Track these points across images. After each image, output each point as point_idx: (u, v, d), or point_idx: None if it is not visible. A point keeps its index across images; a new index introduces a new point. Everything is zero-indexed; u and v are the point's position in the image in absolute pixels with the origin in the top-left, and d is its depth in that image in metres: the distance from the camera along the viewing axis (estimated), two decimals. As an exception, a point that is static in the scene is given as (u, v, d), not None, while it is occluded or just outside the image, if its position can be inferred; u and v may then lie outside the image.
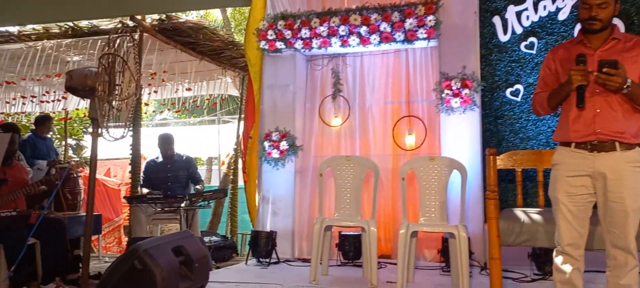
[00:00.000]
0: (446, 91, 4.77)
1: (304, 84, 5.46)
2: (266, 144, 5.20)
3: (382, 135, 5.31)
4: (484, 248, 4.51)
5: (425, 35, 4.80)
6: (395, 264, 4.63)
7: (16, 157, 4.53)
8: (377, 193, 4.30)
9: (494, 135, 4.86)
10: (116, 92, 2.57)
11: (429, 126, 5.15)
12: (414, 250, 4.07)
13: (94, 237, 6.65)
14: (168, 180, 5.77)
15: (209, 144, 13.38)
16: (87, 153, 11.24)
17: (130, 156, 6.68)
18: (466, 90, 4.70)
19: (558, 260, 2.70)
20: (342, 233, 4.78)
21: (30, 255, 4.04)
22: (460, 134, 4.77)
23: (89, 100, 2.64)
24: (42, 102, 8.12)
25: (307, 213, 5.27)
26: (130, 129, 3.34)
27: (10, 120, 10.81)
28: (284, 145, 5.14)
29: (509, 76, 4.88)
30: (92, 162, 2.73)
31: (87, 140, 11.88)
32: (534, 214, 3.19)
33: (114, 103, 2.61)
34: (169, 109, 11.03)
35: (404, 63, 5.30)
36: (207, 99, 10.14)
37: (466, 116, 4.75)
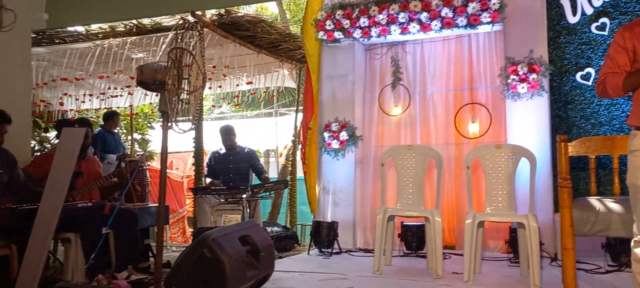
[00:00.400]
0: (512, 77, 4.61)
1: (363, 74, 5.42)
2: (326, 134, 5.20)
3: (444, 124, 5.20)
4: (554, 239, 4.35)
5: (489, 19, 4.65)
6: (459, 255, 4.56)
7: (90, 151, 4.73)
8: (440, 182, 4.22)
9: (564, 121, 4.65)
10: (184, 86, 2.64)
11: (493, 113, 4.99)
12: (480, 240, 3.96)
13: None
14: (230, 172, 5.87)
15: (266, 136, 13.58)
16: (151, 147, 11.62)
17: (193, 149, 6.88)
18: (534, 75, 4.52)
19: (638, 251, 2.55)
20: (405, 223, 4.73)
21: (105, 244, 4.22)
22: (528, 120, 4.60)
23: (159, 94, 2.72)
24: (111, 97, 8.45)
25: (368, 203, 5.25)
26: (196, 121, 3.42)
27: (79, 116, 11.37)
28: (343, 135, 5.12)
29: (579, 59, 4.65)
30: (163, 154, 2.82)
31: (151, 135, 12.28)
32: (611, 203, 3.04)
33: (182, 96, 2.67)
34: (229, 103, 11.24)
35: (466, 49, 5.16)
36: (264, 92, 10.26)
37: (534, 102, 4.58)
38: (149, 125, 12.56)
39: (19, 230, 3.34)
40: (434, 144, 5.09)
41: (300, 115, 9.35)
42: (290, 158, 9.20)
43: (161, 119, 2.76)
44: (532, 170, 3.87)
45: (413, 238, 4.67)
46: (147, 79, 2.68)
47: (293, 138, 9.20)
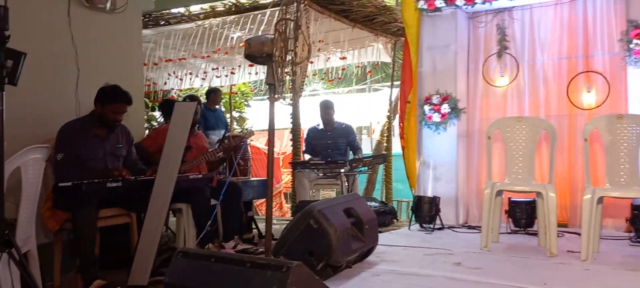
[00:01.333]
0: (635, 41, 4.20)
1: (466, 43, 5.18)
2: (426, 107, 5.05)
3: (555, 94, 4.86)
4: (684, 218, 3.94)
5: (608, -21, 4.25)
6: (573, 233, 4.29)
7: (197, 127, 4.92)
8: (554, 156, 3.95)
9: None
10: (290, 58, 2.65)
11: (612, 82, 4.59)
12: (599, 217, 3.68)
13: (261, 200, 7.08)
14: (328, 147, 5.90)
15: (359, 112, 13.53)
16: (247, 124, 11.97)
17: (291, 125, 6.99)
18: (660, 38, 4.09)
19: None
20: (512, 199, 4.50)
21: (213, 215, 4.40)
22: (654, 88, 4.18)
23: (265, 68, 2.75)
24: (213, 76, 8.78)
25: (472, 178, 5.05)
26: (301, 94, 3.41)
27: (181, 95, 11.94)
28: (445, 108, 4.94)
29: None
30: (270, 127, 2.86)
31: (247, 112, 12.67)
32: None
33: (288, 68, 2.68)
34: (322, 79, 11.29)
35: (581, 13, 4.76)
36: (357, 67, 10.17)
37: (661, 68, 4.15)
38: (245, 103, 12.97)
39: (137, 200, 3.55)
40: (544, 116, 4.78)
41: (396, 90, 9.21)
42: (386, 134, 9.09)
43: (266, 94, 2.79)
44: (662, 142, 3.52)
45: (522, 215, 4.44)
46: (254, 52, 2.71)
47: (388, 113, 9.08)
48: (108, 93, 3.62)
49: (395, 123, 9.06)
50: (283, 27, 2.59)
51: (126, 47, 4.66)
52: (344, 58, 8.26)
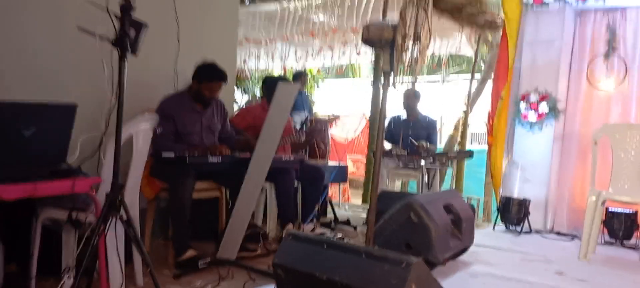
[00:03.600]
0: None
1: (571, 41, 4.88)
2: (522, 105, 4.82)
3: (667, 103, 4.53)
4: None
5: None
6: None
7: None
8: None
9: None
10: (410, 44, 2.55)
11: None
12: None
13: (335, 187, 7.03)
14: (409, 138, 5.75)
15: (429, 104, 13.22)
16: (315, 107, 11.98)
17: (370, 112, 6.92)
18: None
19: None
20: (611, 209, 4.24)
21: (294, 196, 4.40)
22: None
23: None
24: (294, 59, 8.81)
25: (565, 183, 4.79)
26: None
27: (256, 75, 12.08)
28: (543, 107, 4.70)
29: None
30: (382, 116, 2.78)
31: (315, 94, 12.69)
32: None
33: (407, 55, 2.58)
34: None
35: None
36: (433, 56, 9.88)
37: None
38: (316, 86, 13.02)
39: (230, 176, 3.58)
40: (651, 124, 4.47)
41: (475, 83, 8.93)
42: (461, 129, 8.83)
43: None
44: None
45: (620, 227, 4.19)
46: (373, 37, 2.63)
47: (465, 107, 8.81)
48: (205, 71, 3.65)
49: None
50: (412, 12, 2.50)
51: (224, 25, 4.70)
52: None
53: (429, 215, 2.89)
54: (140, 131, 2.90)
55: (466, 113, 8.84)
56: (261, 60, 9.72)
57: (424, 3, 2.51)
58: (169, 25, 4.14)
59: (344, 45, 8.20)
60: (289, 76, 8.25)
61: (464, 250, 3.33)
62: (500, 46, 5.29)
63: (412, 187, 7.39)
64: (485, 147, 12.38)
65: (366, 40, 2.65)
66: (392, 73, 2.60)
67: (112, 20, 2.53)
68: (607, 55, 4.72)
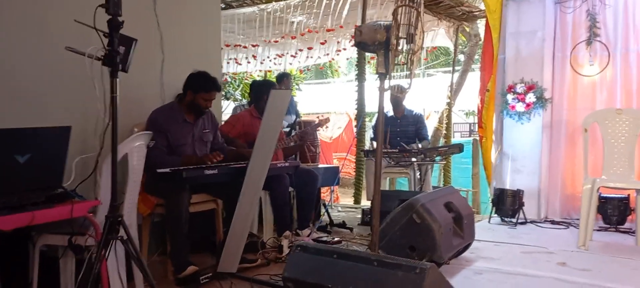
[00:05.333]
0: None
1: (552, 30, 4.93)
2: (509, 96, 4.85)
3: (651, 85, 4.60)
4: None
5: None
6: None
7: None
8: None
9: None
10: (403, 47, 2.53)
11: None
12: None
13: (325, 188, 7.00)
14: (397, 135, 5.75)
15: (411, 99, 13.27)
16: (298, 107, 11.94)
17: (355, 110, 6.90)
18: None
19: None
20: (603, 195, 4.29)
21: (290, 202, 4.35)
22: None
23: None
24: (269, 61, 8.75)
25: (555, 172, 4.84)
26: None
27: (236, 79, 11.97)
28: (530, 97, 4.74)
29: None
30: (379, 116, 2.76)
31: (297, 96, 12.64)
32: None
33: (400, 57, 2.56)
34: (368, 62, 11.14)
35: (682, -2, 4.47)
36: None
37: None
38: (297, 87, 12.97)
39: (225, 186, 3.52)
40: (637, 108, 4.53)
41: (456, 76, 8.99)
42: (446, 122, 8.89)
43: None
44: None
45: (613, 212, 4.25)
46: (366, 40, 2.60)
47: (448, 100, 8.86)
48: (201, 81, 3.58)
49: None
50: (403, 13, 2.47)
51: (206, 31, 4.61)
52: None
53: (431, 215, 2.88)
54: (135, 149, 2.83)
55: (450, 105, 8.90)
56: (241, 64, 9.66)
57: (416, 3, 2.50)
58: (152, 36, 4.05)
59: (322, 44, 8.20)
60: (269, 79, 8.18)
61: (466, 248, 3.33)
62: (485, 38, 5.33)
63: (401, 184, 7.41)
64: (467, 138, 12.54)
65: (359, 43, 2.63)
66: (387, 75, 2.58)
67: (101, 39, 2.46)
68: (589, 42, 4.78)
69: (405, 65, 2.60)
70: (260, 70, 10.12)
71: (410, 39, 2.50)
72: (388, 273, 1.99)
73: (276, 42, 7.96)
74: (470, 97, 10.37)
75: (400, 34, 2.48)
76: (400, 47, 2.52)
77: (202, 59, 4.29)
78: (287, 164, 3.88)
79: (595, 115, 4.01)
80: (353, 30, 7.74)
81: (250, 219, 3.47)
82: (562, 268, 3.12)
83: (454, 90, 8.89)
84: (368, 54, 8.07)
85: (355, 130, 11.86)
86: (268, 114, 3.25)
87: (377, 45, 2.60)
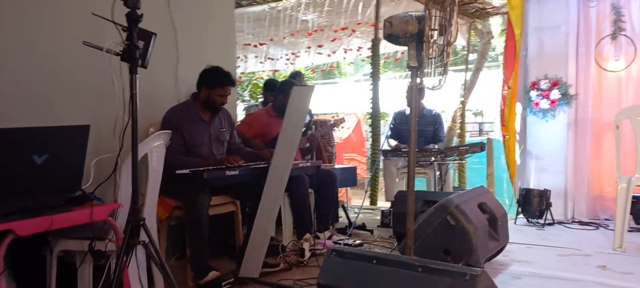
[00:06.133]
0: None
1: (576, 25, 4.77)
2: (533, 93, 4.70)
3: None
4: None
5: None
6: None
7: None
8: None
9: None
10: (436, 38, 2.38)
11: None
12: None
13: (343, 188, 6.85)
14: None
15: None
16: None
17: (370, 110, 6.75)
18: None
19: None
20: (635, 195, 4.12)
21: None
22: None
23: (406, 48, 2.50)
24: (281, 59, 8.64)
25: (581, 170, 4.68)
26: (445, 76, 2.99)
27: (241, 80, 11.83)
28: (555, 94, 4.58)
29: None
30: (412, 113, 2.62)
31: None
32: None
33: (433, 51, 2.42)
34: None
35: None
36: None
37: None
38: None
39: (245, 188, 3.38)
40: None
41: (469, 74, 8.84)
42: (460, 121, 8.74)
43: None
44: None
45: (644, 212, 4.08)
46: (397, 32, 2.46)
47: (462, 98, 8.71)
48: (215, 76, 3.45)
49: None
50: (439, 4, 2.33)
51: (221, 27, 4.49)
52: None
53: (466, 217, 2.74)
54: (154, 149, 2.70)
55: (463, 104, 8.75)
56: (249, 63, 9.54)
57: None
58: (166, 33, 3.92)
59: (333, 42, 8.07)
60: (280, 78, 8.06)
61: (500, 251, 3.18)
62: (507, 35, 5.17)
63: (417, 185, 7.25)
64: (478, 138, 12.36)
65: (389, 36, 2.48)
66: (420, 68, 2.44)
67: (120, 33, 2.34)
68: (614, 36, 4.62)
69: (440, 59, 2.46)
70: (271, 70, 9.99)
71: (443, 30, 2.36)
72: (435, 280, 1.85)
73: (284, 39, 7.80)
74: (478, 97, 10.22)
75: (433, 25, 2.35)
76: (434, 39, 2.38)
77: (217, 56, 4.15)
78: (309, 164, 3.73)
79: (628, 111, 3.85)
80: (364, 28, 7.69)
81: (272, 222, 3.35)
82: (603, 271, 2.96)
83: (467, 89, 8.74)
84: (384, 51, 7.98)
85: (365, 131, 11.75)
86: (290, 112, 3.11)
87: (409, 37, 2.46)
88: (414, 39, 2.46)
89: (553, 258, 3.26)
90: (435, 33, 2.45)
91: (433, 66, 2.48)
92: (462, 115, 8.63)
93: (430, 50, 2.38)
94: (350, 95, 14.84)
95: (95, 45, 2.42)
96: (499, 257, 3.18)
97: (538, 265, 3.09)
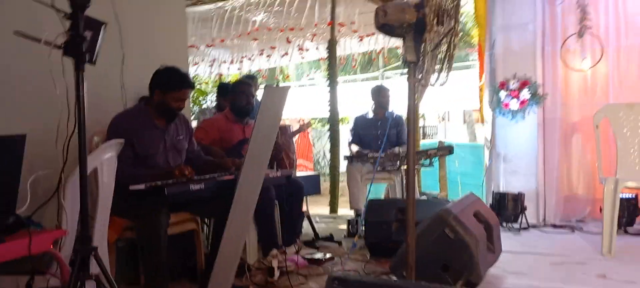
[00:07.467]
0: None
1: (542, 23, 4.65)
2: (502, 93, 4.53)
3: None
4: None
5: None
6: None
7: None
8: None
9: None
10: (439, 29, 2.10)
11: None
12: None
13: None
14: (378, 139, 5.33)
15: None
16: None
17: (328, 114, 6.44)
18: None
19: None
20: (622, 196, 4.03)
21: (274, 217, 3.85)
22: None
23: (401, 41, 2.21)
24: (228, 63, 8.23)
25: (551, 172, 4.54)
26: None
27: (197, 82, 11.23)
28: (525, 94, 4.44)
29: None
30: (410, 115, 2.33)
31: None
32: None
33: (430, 43, 2.13)
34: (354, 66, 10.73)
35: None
36: (378, 53, 9.63)
37: None
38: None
39: (208, 203, 2.98)
40: (632, 103, 4.32)
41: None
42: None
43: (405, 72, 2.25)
44: None
45: (622, 213, 3.98)
46: (392, 21, 2.16)
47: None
48: (170, 78, 3.03)
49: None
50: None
51: (172, 26, 4.05)
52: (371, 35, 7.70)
53: (466, 229, 2.47)
54: (105, 161, 2.26)
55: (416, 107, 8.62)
56: (198, 67, 9.06)
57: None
58: (109, 30, 3.44)
59: (288, 43, 7.73)
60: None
61: (494, 262, 2.93)
62: (479, 33, 5.00)
63: (378, 191, 7.01)
64: (422, 141, 12.27)
65: (382, 26, 2.18)
66: (418, 64, 2.15)
67: (61, 21, 1.93)
68: (580, 35, 4.55)
69: (440, 51, 2.18)
70: (217, 74, 9.53)
71: (440, 20, 2.07)
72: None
73: (233, 41, 7.39)
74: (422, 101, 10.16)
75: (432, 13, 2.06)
76: (436, 29, 2.10)
77: (167, 56, 3.69)
78: (278, 174, 3.36)
79: (606, 111, 3.75)
80: (315, 29, 7.39)
81: (243, 239, 2.97)
82: (605, 281, 2.78)
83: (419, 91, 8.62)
84: (339, 55, 7.71)
85: (312, 137, 11.46)
86: (262, 115, 2.74)
87: (406, 27, 2.16)
88: (411, 29, 2.17)
89: (547, 268, 3.06)
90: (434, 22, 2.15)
91: (436, 59, 2.20)
92: (416, 119, 8.49)
93: (432, 42, 2.09)
94: (295, 100, 14.56)
95: (31, 36, 1.99)
96: (491, 269, 2.93)
97: (534, 276, 2.87)
